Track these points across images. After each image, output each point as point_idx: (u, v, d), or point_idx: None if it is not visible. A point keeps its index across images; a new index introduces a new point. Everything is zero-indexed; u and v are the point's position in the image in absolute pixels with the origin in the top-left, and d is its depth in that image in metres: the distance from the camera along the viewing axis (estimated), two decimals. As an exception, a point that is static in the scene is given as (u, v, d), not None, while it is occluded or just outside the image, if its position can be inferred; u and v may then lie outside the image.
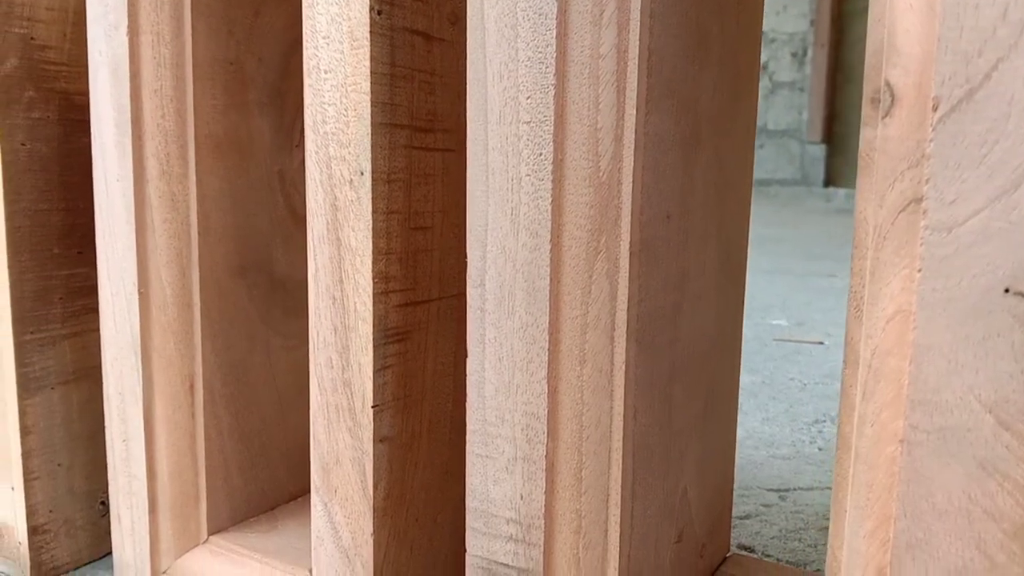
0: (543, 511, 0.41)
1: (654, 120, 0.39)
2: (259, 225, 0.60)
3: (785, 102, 5.32)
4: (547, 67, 0.37)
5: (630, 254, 0.38)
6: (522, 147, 0.38)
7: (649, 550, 0.45)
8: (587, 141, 0.38)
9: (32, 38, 0.61)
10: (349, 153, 0.45)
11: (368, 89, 0.44)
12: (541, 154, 0.38)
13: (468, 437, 0.42)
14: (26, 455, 0.64)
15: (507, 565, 0.42)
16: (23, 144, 0.62)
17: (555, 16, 0.37)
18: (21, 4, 0.60)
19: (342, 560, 0.48)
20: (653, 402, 0.43)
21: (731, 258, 0.52)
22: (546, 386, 0.40)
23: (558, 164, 0.38)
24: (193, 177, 0.55)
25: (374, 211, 0.45)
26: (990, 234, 0.29)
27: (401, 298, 0.48)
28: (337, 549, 0.48)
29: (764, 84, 5.33)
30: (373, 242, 0.45)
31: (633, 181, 0.38)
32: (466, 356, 0.54)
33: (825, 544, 0.76)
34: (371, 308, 0.46)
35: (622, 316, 0.39)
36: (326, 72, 0.45)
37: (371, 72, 0.44)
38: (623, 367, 0.39)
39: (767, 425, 1.09)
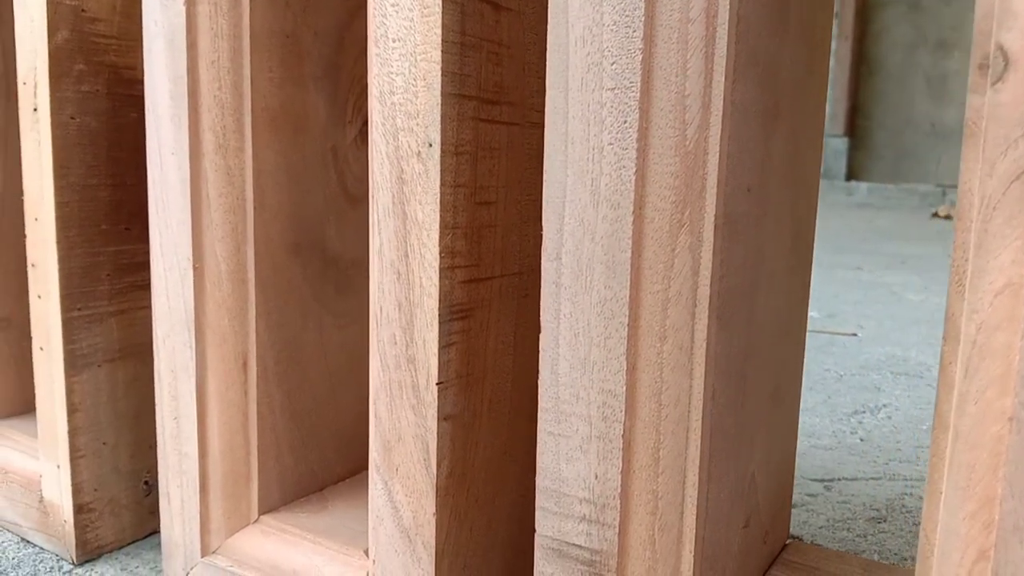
0: (619, 491, 0.40)
1: (739, 89, 0.38)
2: (313, 202, 0.59)
3: (808, 95, 5.26)
4: (634, 31, 0.36)
5: (714, 227, 0.37)
6: (605, 115, 0.37)
7: (720, 534, 0.44)
8: (674, 108, 0.36)
9: (83, 10, 0.61)
10: (417, 124, 0.44)
11: (439, 58, 0.43)
12: (626, 122, 0.37)
13: (540, 415, 0.41)
14: (73, 433, 0.63)
15: (579, 546, 0.41)
16: (72, 118, 0.61)
17: (642, -21, 0.36)
18: (74, -25, 0.59)
19: (403, 540, 0.47)
20: (730, 383, 0.42)
21: (801, 238, 0.51)
22: (624, 363, 0.38)
23: (643, 132, 0.37)
24: (249, 151, 0.54)
25: (442, 184, 0.44)
26: (1120, 202, 0.28)
27: (466, 274, 0.46)
28: (398, 529, 0.48)
29: (786, 76, 5.27)
30: (440, 216, 0.44)
31: (720, 151, 0.37)
32: (526, 335, 0.53)
33: (875, 535, 0.75)
34: (437, 283, 0.45)
35: (704, 292, 0.38)
36: (394, 41, 0.44)
37: (442, 41, 0.42)
38: (704, 345, 0.38)
39: (807, 415, 1.08)
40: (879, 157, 5.32)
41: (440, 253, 0.44)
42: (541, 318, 0.40)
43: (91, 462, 0.65)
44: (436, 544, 0.47)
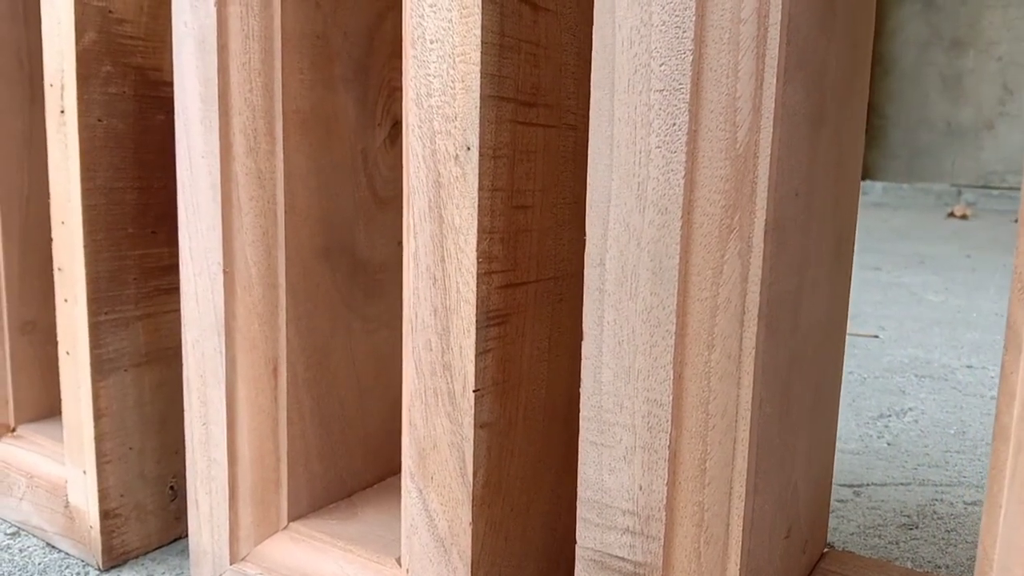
0: (664, 503, 0.39)
1: (789, 91, 0.37)
2: (342, 206, 0.58)
3: (822, 94, 5.23)
4: (684, 31, 0.35)
5: (764, 232, 0.36)
6: (652, 117, 0.36)
7: (764, 545, 0.43)
8: (725, 111, 0.36)
9: (110, 11, 0.60)
10: (455, 127, 0.43)
11: (478, 60, 0.42)
12: (674, 124, 0.36)
13: (582, 424, 0.40)
14: (99, 438, 0.63)
15: (622, 558, 0.40)
16: (100, 120, 0.60)
17: (692, -22, 0.35)
18: (102, -24, 0.59)
19: (437, 549, 0.47)
20: (775, 392, 0.41)
21: (843, 243, 0.49)
22: (671, 372, 0.38)
23: (692, 135, 0.36)
24: (280, 154, 0.53)
25: (480, 188, 0.43)
26: None
27: (502, 279, 0.46)
28: (432, 538, 0.47)
29: (800, 75, 5.24)
30: (478, 220, 0.43)
31: (771, 155, 0.36)
32: (560, 341, 0.52)
33: (907, 542, 0.74)
34: (474, 289, 0.44)
35: (753, 299, 0.37)
36: (432, 42, 0.43)
37: (482, 42, 0.42)
38: (752, 353, 0.37)
39: (831, 419, 1.06)
40: (894, 156, 5.28)
41: (478, 258, 0.44)
42: (583, 325, 0.39)
43: (117, 467, 0.64)
44: (472, 554, 0.46)
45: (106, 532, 0.64)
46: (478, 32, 0.42)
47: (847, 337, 1.50)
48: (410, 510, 0.48)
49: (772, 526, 0.44)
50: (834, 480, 0.87)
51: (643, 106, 0.36)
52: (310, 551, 0.55)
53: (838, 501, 0.82)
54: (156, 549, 0.68)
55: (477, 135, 0.43)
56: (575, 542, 0.56)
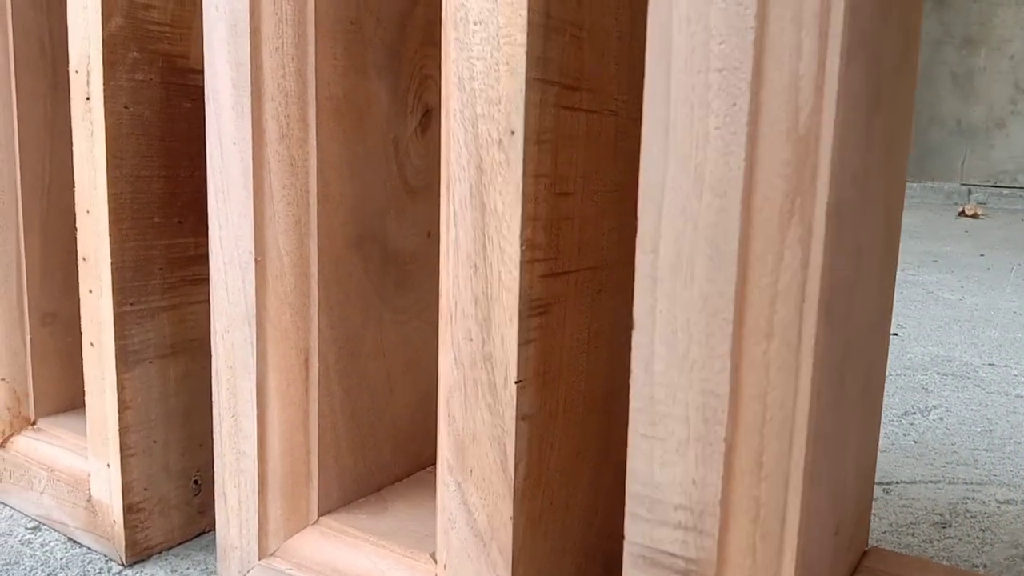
0: (719, 498, 0.37)
1: (850, 72, 0.36)
2: (374, 194, 0.57)
3: (831, 92, 5.21)
4: (746, 8, 0.34)
5: (826, 217, 0.35)
6: (711, 98, 0.35)
7: (816, 541, 0.41)
8: (786, 91, 0.34)
9: (137, -3, 0.59)
10: (499, 111, 0.42)
11: (524, 41, 0.41)
12: (735, 104, 0.35)
13: (632, 416, 0.39)
14: (123, 431, 0.62)
15: (673, 554, 0.39)
16: (126, 107, 0.59)
17: (754, -47, 0.34)
18: (130, -40, 0.58)
19: (476, 544, 0.46)
20: (831, 383, 0.39)
21: (891, 230, 0.48)
22: (728, 362, 0.36)
23: (753, 117, 0.35)
24: (313, 141, 0.52)
25: (524, 174, 0.42)
26: None
27: (544, 268, 0.44)
28: (471, 533, 0.46)
29: (810, 73, 5.22)
30: (522, 207, 0.42)
31: (833, 137, 0.34)
32: (599, 331, 0.51)
33: (940, 540, 0.72)
34: (517, 277, 0.43)
35: (813, 287, 0.36)
36: (475, 23, 0.42)
37: (528, 23, 0.40)
38: (812, 343, 0.36)
39: (855, 416, 1.05)
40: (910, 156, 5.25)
41: (521, 245, 0.42)
42: (634, 313, 0.38)
43: (141, 461, 0.63)
44: (512, 549, 0.45)
45: (129, 527, 0.63)
46: (524, 13, 0.40)
47: (866, 334, 1.49)
48: (447, 504, 0.46)
49: (824, 522, 0.43)
50: (863, 478, 0.86)
51: (701, 86, 0.35)
52: (341, 546, 0.54)
53: (868, 499, 0.81)
54: (180, 544, 0.67)
55: (522, 119, 0.41)
56: (612, 536, 0.54)
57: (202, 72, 0.63)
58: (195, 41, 0.63)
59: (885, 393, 1.15)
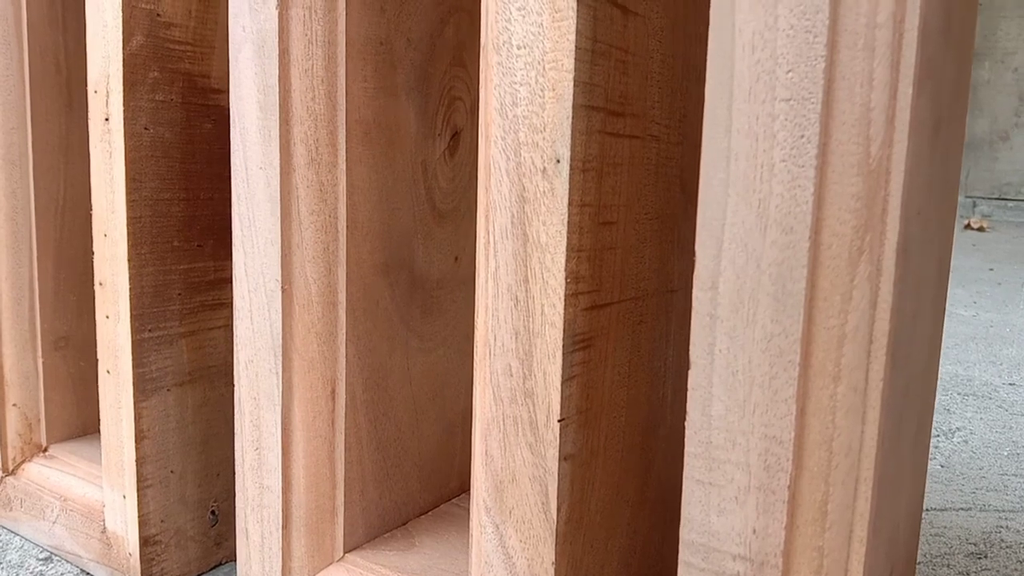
0: (781, 548, 0.35)
1: (919, 102, 0.34)
2: (402, 220, 0.55)
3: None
4: (816, 36, 0.32)
5: (896, 254, 0.33)
6: (777, 129, 0.33)
7: (876, 591, 0.39)
8: (858, 123, 0.33)
9: (158, 15, 0.57)
10: (543, 139, 0.40)
11: (571, 67, 0.39)
12: (803, 136, 0.33)
13: (687, 461, 0.37)
14: (140, 461, 0.60)
15: (730, 607, 0.37)
16: (146, 128, 0.58)
17: (824, -22, 0.32)
18: (152, -22, 0.56)
19: (515, 590, 0.44)
20: (892, 425, 0.37)
21: (944, 263, 0.46)
22: (793, 407, 0.34)
23: (823, 149, 0.33)
24: (343, 166, 0.50)
25: (569, 203, 0.40)
26: None
27: (588, 300, 0.43)
28: (510, 578, 0.44)
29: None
30: (567, 238, 0.40)
31: (904, 171, 0.33)
32: (639, 365, 0.49)
33: (977, 572, 0.70)
34: (561, 311, 0.41)
35: (882, 327, 0.34)
36: (519, 48, 0.40)
37: (576, 47, 0.39)
38: (879, 386, 0.34)
39: (879, 439, 1.03)
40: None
41: (566, 278, 0.41)
42: (691, 353, 0.36)
43: (158, 492, 0.61)
44: (553, 595, 0.43)
45: (146, 560, 0.61)
46: (572, 37, 0.39)
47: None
48: (484, 547, 0.44)
49: (880, 569, 0.41)
50: (892, 505, 0.84)
51: (766, 116, 0.33)
52: (369, 585, 0.52)
53: (899, 528, 0.79)
54: (195, 576, 0.65)
55: (568, 147, 0.40)
56: (651, 578, 0.52)
57: (223, 92, 0.62)
58: (216, 60, 0.61)
59: (907, 415, 1.13)
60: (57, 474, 0.69)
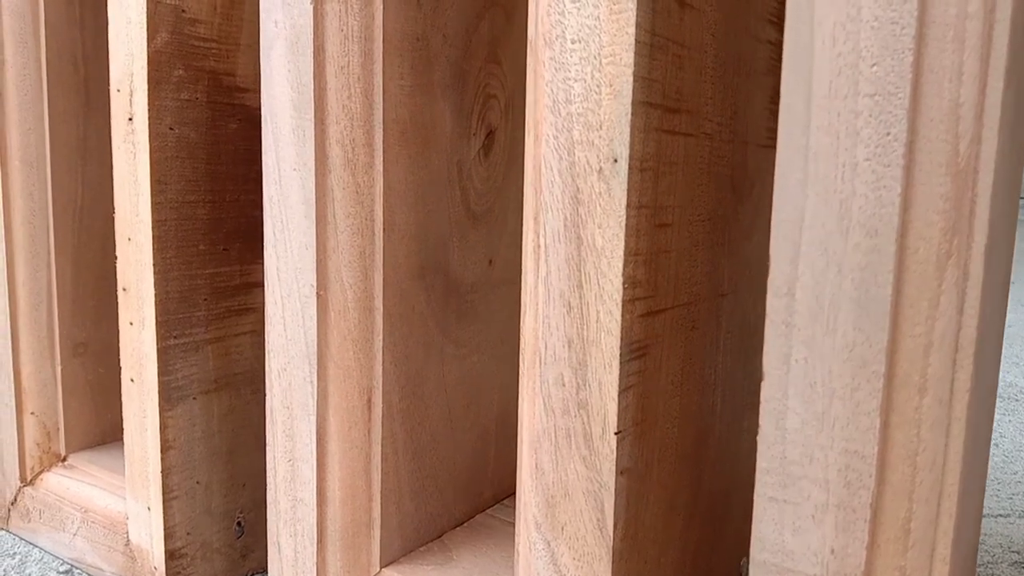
0: (862, 568, 0.34)
1: (1006, 97, 0.32)
2: (437, 222, 0.53)
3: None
4: (903, 28, 0.30)
5: (983, 258, 0.31)
6: (861, 126, 0.31)
7: (951, 610, 0.37)
8: (946, 119, 0.31)
9: (183, 11, 0.55)
10: (599, 137, 0.38)
11: (631, 61, 0.37)
12: (888, 134, 0.31)
13: (758, 477, 0.35)
14: (165, 472, 0.58)
15: (805, 630, 0.35)
16: (171, 128, 0.56)
17: (912, -35, 0.30)
18: (178, -28, 0.54)
19: (568, 609, 0.42)
20: (972, 437, 0.36)
21: (1009, 266, 0.45)
22: (877, 419, 0.33)
23: (910, 147, 0.31)
24: (380, 167, 0.48)
25: (627, 205, 0.38)
26: None
27: (644, 307, 0.41)
28: (563, 597, 0.42)
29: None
30: (625, 241, 0.38)
31: (994, 169, 0.31)
32: (691, 373, 0.47)
33: (1022, 582, 0.68)
34: (619, 318, 0.39)
35: (969, 335, 0.32)
36: (574, 42, 0.38)
37: (635, 41, 0.37)
38: (965, 397, 0.32)
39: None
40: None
41: (623, 284, 0.39)
42: (765, 363, 0.35)
43: (184, 503, 0.59)
44: (608, 615, 0.41)
45: (171, 573, 0.59)
46: (631, 31, 0.37)
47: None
48: (534, 564, 0.43)
49: (955, 587, 0.39)
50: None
51: (849, 113, 0.32)
52: (407, 602, 0.50)
53: (938, 535, 0.77)
54: (221, 590, 0.63)
55: (627, 146, 0.38)
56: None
57: (249, 91, 0.60)
58: (242, 57, 0.59)
59: (934, 417, 1.11)
60: (77, 484, 0.67)
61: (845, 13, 0.31)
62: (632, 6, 0.37)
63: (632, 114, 0.38)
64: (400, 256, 0.51)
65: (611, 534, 0.40)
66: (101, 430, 0.72)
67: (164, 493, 0.58)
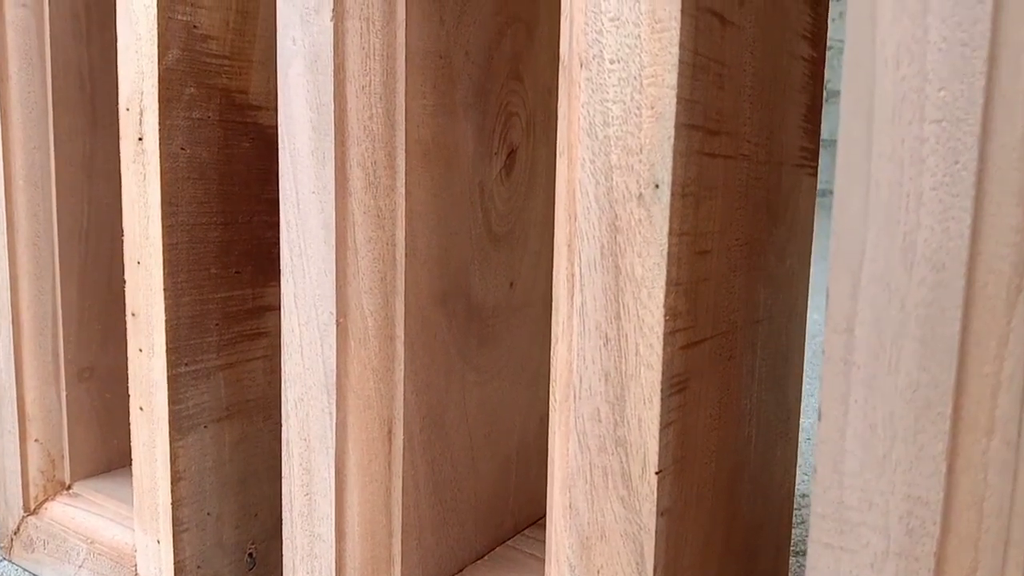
0: (926, 622, 0.32)
1: (1077, 121, 0.30)
2: (459, 245, 0.51)
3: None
4: (974, 50, 0.29)
5: (1058, 294, 0.29)
6: (926, 153, 0.30)
7: (1012, 660, 0.35)
8: (1019, 147, 0.29)
9: (195, 27, 0.54)
10: (639, 161, 0.36)
11: (675, 83, 0.35)
12: (957, 162, 0.29)
13: (813, 522, 0.33)
14: (176, 504, 0.56)
15: None
16: (183, 148, 0.54)
17: (982, -16, 0.28)
18: (191, -12, 0.53)
19: (604, 656, 0.40)
20: (1038, 478, 0.34)
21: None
22: (943, 464, 0.31)
23: (980, 176, 0.29)
24: (402, 190, 0.47)
25: (669, 232, 0.36)
26: None
27: (684, 338, 0.39)
28: (599, 643, 0.40)
29: (818, 93, 5.20)
30: (666, 271, 0.37)
31: (1069, 199, 0.29)
32: (728, 405, 0.45)
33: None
34: (660, 352, 0.37)
35: (1040, 373, 0.30)
36: (612, 62, 0.37)
37: (679, 62, 0.35)
38: (1036, 439, 0.30)
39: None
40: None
41: (665, 315, 0.37)
42: (821, 402, 0.33)
43: (195, 536, 0.57)
44: (647, 662, 0.39)
45: (181, 608, 0.57)
46: (675, 50, 0.35)
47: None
48: (568, 607, 0.41)
49: (1014, 634, 0.37)
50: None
51: (914, 140, 0.30)
52: (430, 643, 0.48)
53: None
54: (232, 624, 0.61)
55: (669, 171, 0.36)
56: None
57: (262, 109, 0.58)
58: (255, 74, 0.57)
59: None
60: (83, 514, 0.65)
61: (910, 34, 0.30)
62: (676, 25, 0.35)
63: (675, 137, 0.36)
64: (422, 281, 0.49)
65: (651, 578, 0.38)
66: (107, 457, 0.70)
67: (174, 526, 0.56)
